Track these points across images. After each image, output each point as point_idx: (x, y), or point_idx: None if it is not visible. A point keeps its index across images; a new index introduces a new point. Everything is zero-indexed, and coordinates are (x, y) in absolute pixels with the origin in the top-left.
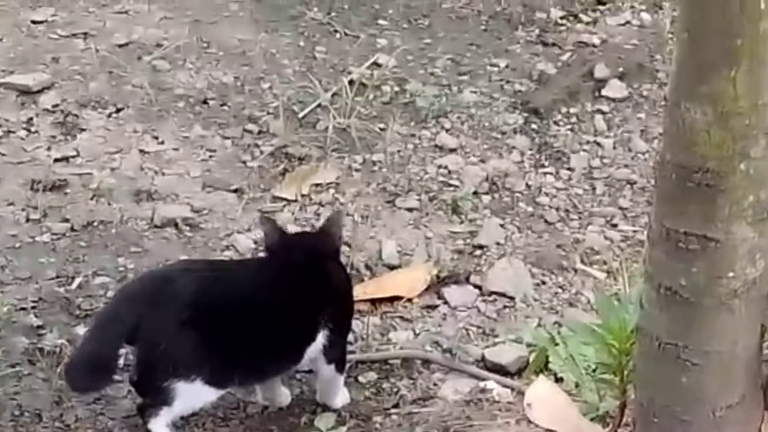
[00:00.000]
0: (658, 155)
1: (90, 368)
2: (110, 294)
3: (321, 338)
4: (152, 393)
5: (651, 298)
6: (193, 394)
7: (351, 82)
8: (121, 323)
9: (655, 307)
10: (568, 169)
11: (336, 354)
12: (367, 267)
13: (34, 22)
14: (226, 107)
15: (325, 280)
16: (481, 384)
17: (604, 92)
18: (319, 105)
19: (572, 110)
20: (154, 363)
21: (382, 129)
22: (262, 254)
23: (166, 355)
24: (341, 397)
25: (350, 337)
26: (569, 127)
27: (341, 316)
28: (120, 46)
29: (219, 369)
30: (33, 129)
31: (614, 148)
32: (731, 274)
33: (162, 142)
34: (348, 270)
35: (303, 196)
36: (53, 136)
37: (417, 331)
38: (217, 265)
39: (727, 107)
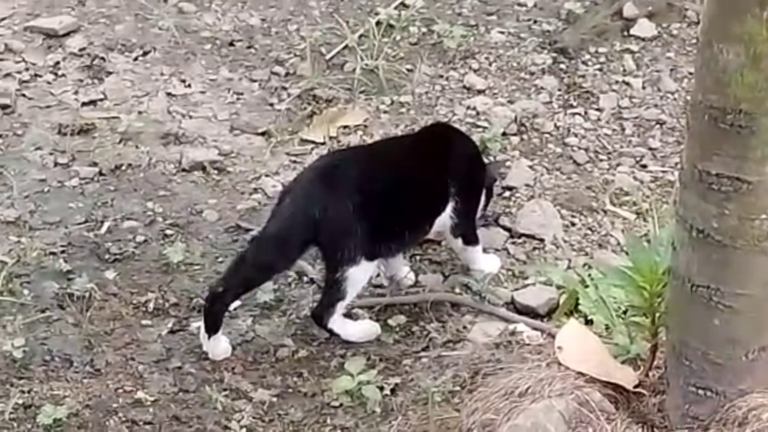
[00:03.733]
0: (690, 96)
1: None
2: (139, 238)
3: (449, 210)
4: (329, 290)
5: (683, 241)
6: (360, 275)
7: (378, 23)
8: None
9: (687, 249)
10: (597, 109)
11: (461, 229)
12: None
13: None
14: (252, 49)
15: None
16: (511, 327)
17: (633, 31)
18: (346, 46)
19: (601, 50)
20: (335, 253)
21: (409, 70)
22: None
23: (347, 244)
24: (487, 264)
25: (380, 280)
26: (598, 67)
27: (467, 191)
28: None
29: (373, 241)
30: (60, 73)
31: (643, 87)
32: (764, 216)
33: (189, 85)
34: None
35: (331, 138)
36: (80, 80)
37: (446, 274)
38: (365, 149)
39: (760, 48)
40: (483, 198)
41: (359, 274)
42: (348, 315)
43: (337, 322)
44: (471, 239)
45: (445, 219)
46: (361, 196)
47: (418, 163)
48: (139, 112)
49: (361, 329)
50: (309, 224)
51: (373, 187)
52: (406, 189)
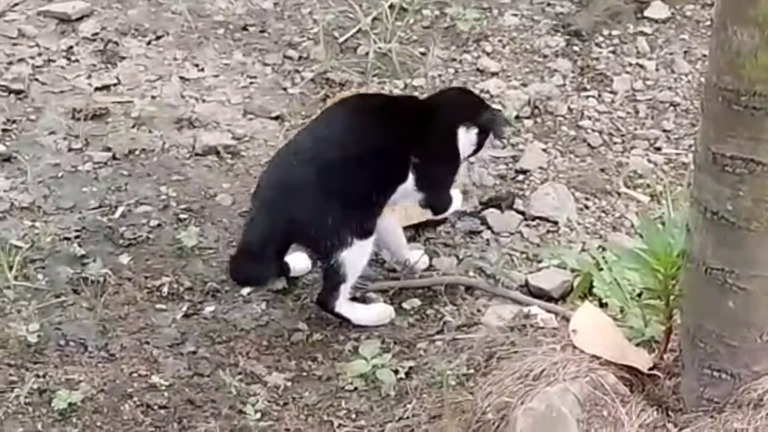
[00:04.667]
0: (704, 78)
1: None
2: (153, 223)
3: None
4: (328, 275)
5: (697, 223)
6: (355, 256)
7: (391, 6)
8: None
9: (702, 231)
10: (611, 91)
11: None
12: None
13: None
14: (266, 33)
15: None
16: (525, 309)
17: (646, 13)
18: (359, 30)
19: (614, 32)
20: (319, 246)
21: (422, 53)
22: None
23: (326, 233)
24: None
25: (394, 264)
26: (611, 49)
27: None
28: None
29: (353, 220)
30: (73, 57)
31: (657, 70)
32: None
33: (202, 69)
34: None
35: None
36: (93, 65)
37: (460, 257)
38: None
39: None
40: (473, 147)
41: (354, 255)
42: (362, 299)
43: (343, 306)
44: (440, 210)
45: (409, 189)
46: (324, 183)
47: (375, 136)
48: (153, 97)
49: (374, 313)
50: (280, 234)
51: (333, 170)
52: (365, 162)
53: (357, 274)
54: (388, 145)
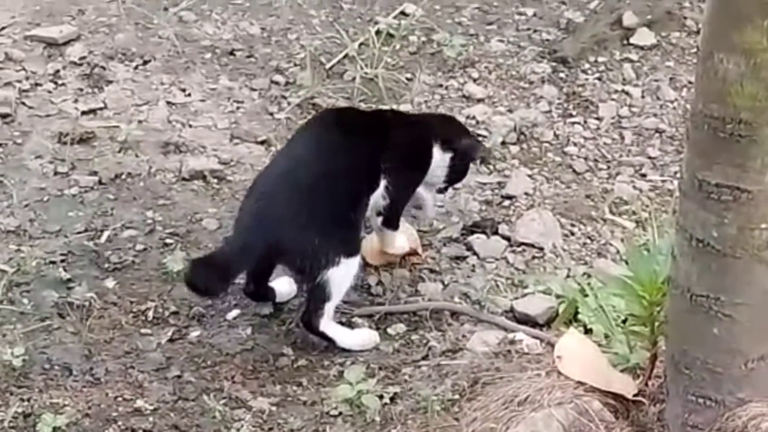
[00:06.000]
0: (690, 106)
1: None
2: (138, 247)
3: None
4: (312, 294)
5: (682, 250)
6: (341, 274)
7: (378, 32)
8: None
9: (687, 258)
10: (597, 118)
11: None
12: None
13: None
14: (252, 58)
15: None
16: (510, 335)
17: (632, 40)
18: (346, 55)
19: (600, 59)
20: (304, 266)
21: (409, 79)
22: None
23: (313, 252)
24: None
25: (379, 289)
26: (597, 75)
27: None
28: None
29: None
30: (60, 81)
31: (643, 96)
32: (763, 226)
33: (189, 94)
34: None
35: None
36: (80, 89)
37: (446, 283)
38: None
39: (760, 58)
40: (446, 174)
41: (340, 274)
42: (347, 324)
43: (329, 326)
44: (393, 223)
45: (377, 196)
46: (305, 203)
47: (348, 149)
48: (139, 121)
49: (359, 338)
50: (260, 256)
51: (312, 188)
52: (341, 177)
53: (342, 294)
54: (361, 155)
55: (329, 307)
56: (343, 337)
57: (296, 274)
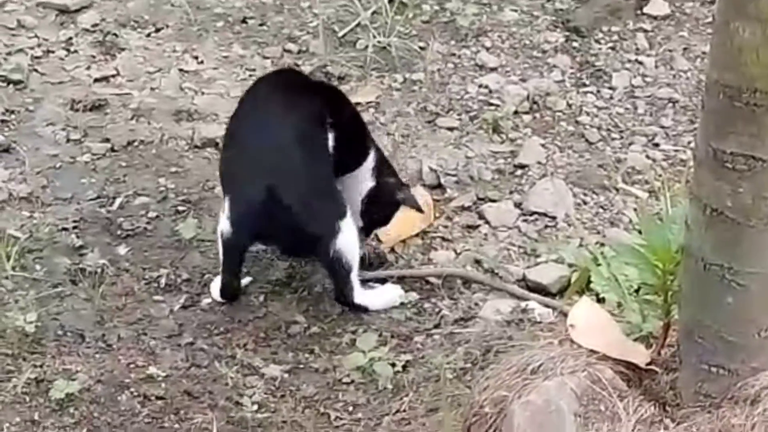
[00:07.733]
0: (705, 75)
1: None
2: (151, 214)
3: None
4: (333, 271)
5: (697, 219)
6: (347, 240)
7: (391, 1)
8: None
9: (701, 227)
10: (610, 88)
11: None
12: None
13: None
14: (265, 26)
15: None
16: (523, 304)
17: (646, 10)
18: (358, 24)
19: (614, 28)
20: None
21: (422, 48)
22: None
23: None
24: None
25: (391, 257)
26: (611, 45)
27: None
28: None
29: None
30: (72, 49)
31: (656, 66)
32: None
33: (201, 62)
34: None
35: None
36: (93, 56)
37: (458, 251)
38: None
39: None
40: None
41: (347, 239)
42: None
43: (362, 296)
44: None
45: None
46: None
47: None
48: (152, 89)
49: (385, 297)
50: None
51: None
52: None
53: (357, 259)
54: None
55: (354, 277)
56: (373, 300)
57: (309, 253)
